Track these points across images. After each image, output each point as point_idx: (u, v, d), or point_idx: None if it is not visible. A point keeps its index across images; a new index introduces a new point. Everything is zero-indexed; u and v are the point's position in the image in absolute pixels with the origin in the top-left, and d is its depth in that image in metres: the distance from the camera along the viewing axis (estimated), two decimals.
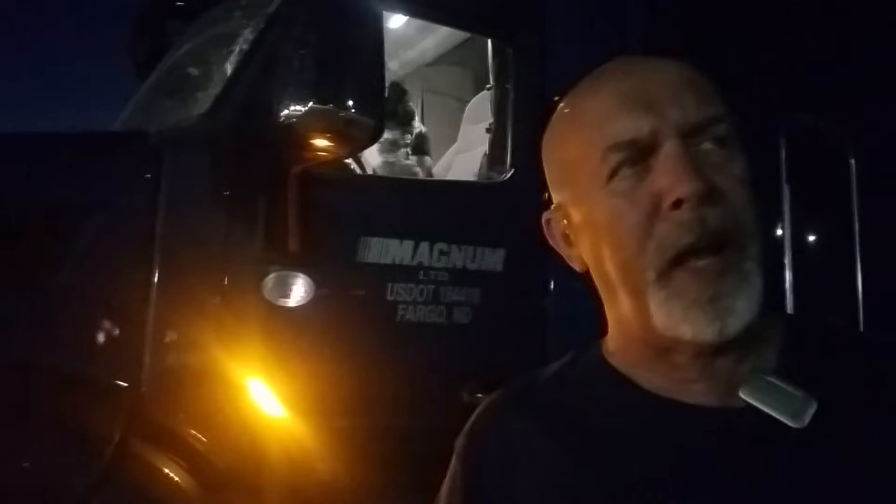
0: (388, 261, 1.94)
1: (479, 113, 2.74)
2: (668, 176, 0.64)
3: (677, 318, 0.64)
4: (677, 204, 0.63)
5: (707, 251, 0.63)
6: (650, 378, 0.71)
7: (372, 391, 1.88)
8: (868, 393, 0.67)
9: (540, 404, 0.76)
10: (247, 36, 1.96)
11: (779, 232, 2.61)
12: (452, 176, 2.75)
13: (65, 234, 1.72)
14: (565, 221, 0.75)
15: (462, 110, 3.03)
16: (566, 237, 0.76)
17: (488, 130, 2.36)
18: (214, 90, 1.92)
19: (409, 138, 2.64)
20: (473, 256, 2.06)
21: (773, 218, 2.59)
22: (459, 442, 0.80)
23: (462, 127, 2.91)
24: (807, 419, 0.64)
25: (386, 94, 2.47)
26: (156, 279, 1.72)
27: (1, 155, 1.80)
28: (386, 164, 2.56)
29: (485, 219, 2.16)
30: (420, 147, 2.71)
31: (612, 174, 0.67)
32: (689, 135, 0.66)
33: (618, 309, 0.72)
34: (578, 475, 0.69)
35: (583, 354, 0.79)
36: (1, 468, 1.41)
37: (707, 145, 0.66)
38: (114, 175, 1.82)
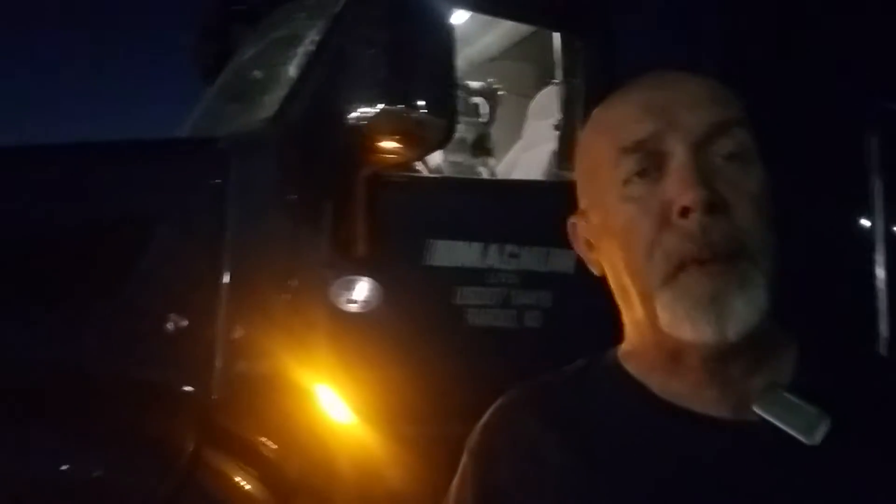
0: (457, 264, 1.89)
1: (544, 109, 2.66)
2: (677, 184, 0.65)
3: (680, 318, 0.65)
4: (684, 212, 0.65)
5: (711, 259, 0.64)
6: (665, 383, 0.72)
7: (440, 398, 1.83)
8: (883, 414, 0.67)
9: (553, 407, 0.77)
10: (312, 37, 1.94)
11: (867, 226, 2.45)
12: (518, 174, 2.67)
13: (134, 241, 1.73)
14: (588, 226, 0.77)
15: (525, 106, 2.95)
16: (588, 242, 0.78)
17: (556, 127, 2.28)
18: (280, 93, 1.90)
19: (473, 137, 2.59)
20: (544, 258, 1.99)
21: (861, 212, 2.43)
22: (472, 439, 0.81)
23: (527, 123, 2.84)
24: (819, 436, 0.64)
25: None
26: (225, 285, 1.71)
27: (70, 163, 1.82)
28: (452, 163, 2.51)
29: (555, 219, 2.07)
30: (484, 146, 2.65)
31: (626, 181, 0.69)
32: (701, 143, 0.67)
33: (632, 313, 0.74)
34: (587, 481, 0.70)
35: (599, 359, 0.80)
36: (79, 478, 1.42)
37: (720, 160, 0.67)
38: (182, 181, 1.82)
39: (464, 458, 0.81)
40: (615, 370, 0.77)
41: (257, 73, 2.19)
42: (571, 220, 0.80)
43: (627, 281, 0.71)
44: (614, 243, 0.71)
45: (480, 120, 2.55)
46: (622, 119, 0.71)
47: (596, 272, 0.78)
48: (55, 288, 1.66)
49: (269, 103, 1.92)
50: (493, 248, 1.92)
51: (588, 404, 0.76)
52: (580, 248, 0.80)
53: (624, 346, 0.79)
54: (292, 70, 1.93)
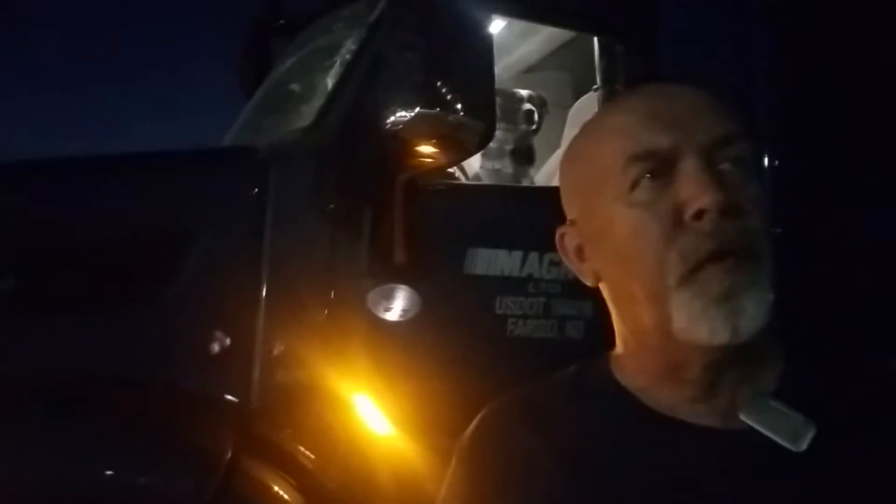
0: (497, 272, 1.86)
1: (583, 117, 2.61)
2: (691, 188, 0.66)
3: (697, 318, 0.65)
4: (699, 214, 0.66)
5: (729, 254, 0.66)
6: (656, 394, 0.72)
7: (479, 409, 1.79)
8: (868, 420, 0.68)
9: (543, 415, 0.77)
10: (349, 46, 1.94)
11: None
12: (557, 182, 2.63)
13: (174, 250, 1.74)
14: (580, 236, 0.77)
15: (560, 117, 2.92)
16: (579, 252, 0.78)
17: None
18: (318, 103, 1.91)
19: (513, 145, 2.56)
20: None
21: None
22: (461, 444, 0.81)
23: (566, 132, 2.80)
24: (805, 443, 0.65)
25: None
26: (264, 294, 1.71)
27: (110, 174, 1.85)
28: (491, 171, 2.49)
29: None
30: (525, 154, 2.62)
31: (634, 185, 0.69)
32: (709, 152, 0.68)
33: (634, 321, 0.73)
34: (577, 489, 0.70)
35: (589, 367, 0.80)
36: (119, 484, 1.43)
37: (726, 165, 0.68)
38: (222, 191, 1.84)
39: (452, 465, 0.81)
40: (605, 379, 0.77)
41: (295, 84, 2.21)
42: (560, 230, 0.80)
43: (636, 286, 0.70)
44: (619, 250, 0.71)
45: (532, 128, 2.51)
46: (631, 127, 0.71)
47: (589, 283, 0.78)
48: (97, 298, 1.68)
49: (307, 113, 1.93)
50: (534, 256, 1.89)
51: (577, 413, 0.76)
52: (569, 259, 0.80)
53: (616, 354, 0.78)
54: (329, 79, 1.94)
